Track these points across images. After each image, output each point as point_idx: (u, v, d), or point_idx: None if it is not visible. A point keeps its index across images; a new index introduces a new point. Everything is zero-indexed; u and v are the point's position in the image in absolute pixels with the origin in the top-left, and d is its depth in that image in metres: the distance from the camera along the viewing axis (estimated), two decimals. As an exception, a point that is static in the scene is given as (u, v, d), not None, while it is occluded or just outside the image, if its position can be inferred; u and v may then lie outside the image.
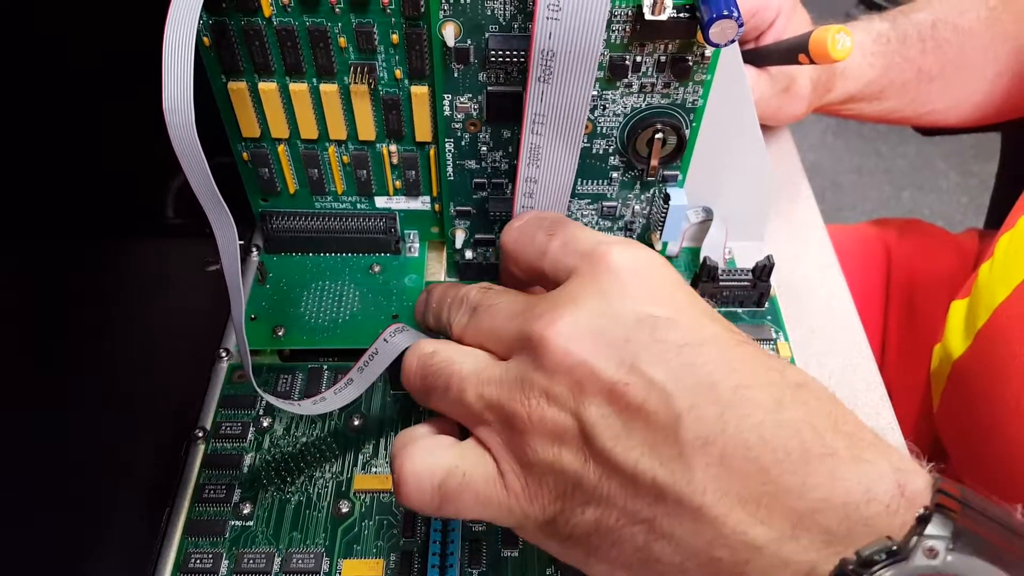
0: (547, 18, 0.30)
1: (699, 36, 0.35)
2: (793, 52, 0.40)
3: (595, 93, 0.38)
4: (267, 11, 0.36)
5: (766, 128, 0.56)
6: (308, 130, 0.41)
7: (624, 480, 0.24)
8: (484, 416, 0.28)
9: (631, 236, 0.46)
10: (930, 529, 0.20)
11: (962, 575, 0.20)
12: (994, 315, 0.44)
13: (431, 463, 0.28)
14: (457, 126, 0.40)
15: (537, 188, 0.38)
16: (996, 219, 0.77)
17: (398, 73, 0.39)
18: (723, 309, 0.47)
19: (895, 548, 0.20)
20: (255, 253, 0.48)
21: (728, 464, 0.22)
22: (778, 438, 0.22)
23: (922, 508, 0.21)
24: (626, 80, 0.37)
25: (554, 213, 0.35)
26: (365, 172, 0.44)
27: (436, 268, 0.50)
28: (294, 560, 0.36)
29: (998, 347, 0.43)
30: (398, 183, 0.45)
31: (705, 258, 0.45)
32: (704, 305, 0.27)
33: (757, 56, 0.49)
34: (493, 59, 0.35)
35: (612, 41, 0.35)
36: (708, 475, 0.23)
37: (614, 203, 0.44)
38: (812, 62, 0.39)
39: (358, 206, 0.46)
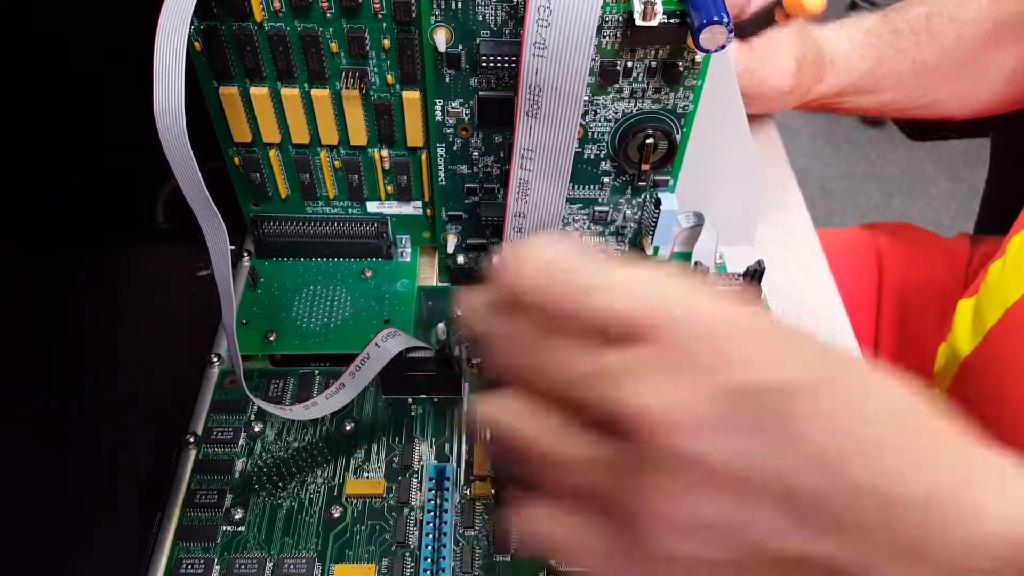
0: (533, 55, 0.30)
1: (689, 42, 0.35)
2: (770, 13, 0.43)
3: (586, 98, 0.38)
4: (258, 16, 0.36)
5: (756, 131, 0.56)
6: (300, 135, 0.41)
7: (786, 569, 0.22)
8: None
9: (622, 240, 0.46)
10: None
11: None
12: (1006, 314, 0.44)
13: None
14: (449, 131, 0.40)
15: (526, 223, 0.38)
16: (986, 224, 0.77)
17: (390, 78, 0.39)
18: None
19: None
20: (246, 258, 0.48)
21: (891, 526, 0.20)
22: (909, 484, 0.21)
23: None
24: (617, 85, 0.37)
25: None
26: (357, 177, 0.44)
27: (428, 273, 0.50)
28: (286, 565, 0.36)
29: (1009, 346, 0.43)
30: (390, 188, 0.45)
31: (696, 263, 0.45)
32: (809, 343, 0.23)
33: (740, 30, 0.50)
34: (484, 64, 0.35)
35: (603, 47, 0.36)
36: (872, 522, 0.21)
37: (605, 208, 0.44)
38: (788, 16, 0.41)
39: (350, 211, 0.46)
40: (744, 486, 0.21)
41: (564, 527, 0.24)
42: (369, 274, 0.48)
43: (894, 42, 0.56)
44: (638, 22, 0.33)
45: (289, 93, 0.39)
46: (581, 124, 0.39)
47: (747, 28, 0.49)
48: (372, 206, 0.46)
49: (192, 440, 0.41)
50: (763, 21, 0.46)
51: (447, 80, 0.38)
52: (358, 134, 0.41)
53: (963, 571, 0.20)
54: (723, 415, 0.21)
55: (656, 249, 0.47)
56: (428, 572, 0.36)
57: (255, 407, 0.42)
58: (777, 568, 0.22)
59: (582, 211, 0.44)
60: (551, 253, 0.24)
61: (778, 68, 0.51)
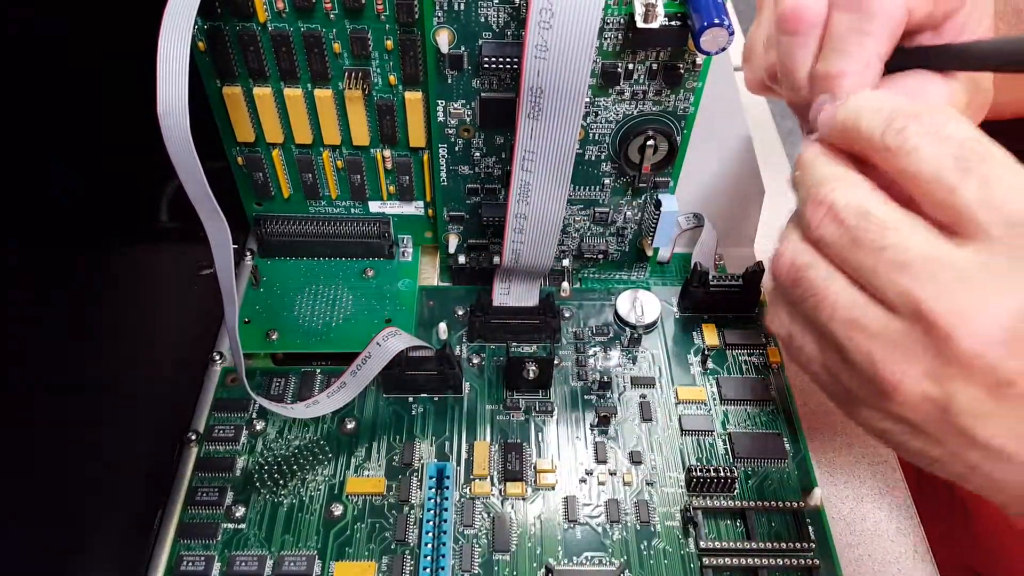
0: (535, 57, 0.30)
1: (690, 44, 0.35)
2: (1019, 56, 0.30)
3: (587, 100, 0.38)
4: (262, 17, 0.36)
5: (755, 133, 0.56)
6: (302, 135, 0.42)
7: (968, 443, 0.26)
8: (843, 354, 0.27)
9: (623, 242, 0.46)
10: None
11: None
12: None
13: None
14: (450, 132, 0.41)
15: (527, 224, 0.38)
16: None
17: (392, 79, 0.39)
18: (713, 315, 0.47)
19: None
20: (249, 257, 0.49)
21: None
22: None
23: None
24: (618, 87, 0.38)
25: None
26: (359, 177, 0.44)
27: (429, 273, 0.50)
28: (286, 563, 0.36)
29: None
30: (392, 188, 0.45)
31: (696, 264, 0.46)
32: None
33: (954, 58, 0.34)
34: (487, 66, 0.36)
35: (604, 49, 0.36)
36: None
37: (606, 209, 0.44)
38: None
39: (352, 211, 0.47)
40: (991, 386, 0.24)
41: (805, 343, 0.29)
42: (371, 273, 0.48)
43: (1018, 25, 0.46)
44: (639, 24, 0.33)
45: (292, 93, 0.39)
46: (582, 125, 0.39)
47: (969, 64, 0.34)
48: (374, 206, 0.46)
49: (194, 438, 0.41)
50: (1011, 62, 0.31)
51: (449, 81, 0.38)
52: (360, 134, 0.41)
53: None
54: (1021, 334, 0.23)
55: (656, 250, 0.47)
56: (428, 570, 0.36)
57: (257, 405, 0.42)
58: (948, 439, 0.26)
59: (583, 212, 0.44)
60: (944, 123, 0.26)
61: (980, 107, 0.39)
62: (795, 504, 0.39)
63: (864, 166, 0.28)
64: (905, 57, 0.33)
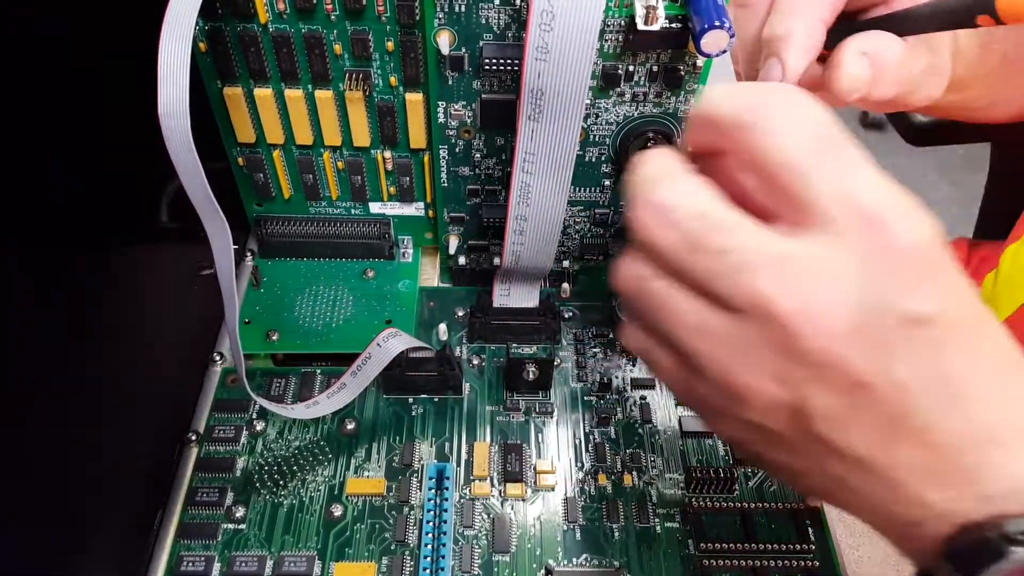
0: (536, 59, 0.30)
1: (691, 46, 0.35)
2: (970, 11, 0.30)
3: (588, 102, 0.38)
4: (263, 18, 0.36)
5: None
6: (303, 136, 0.42)
7: (828, 451, 0.25)
8: (694, 364, 0.26)
9: (623, 243, 0.46)
10: None
11: None
12: None
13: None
14: (451, 133, 0.41)
15: (528, 226, 0.38)
16: (985, 229, 0.77)
17: (393, 80, 0.39)
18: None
19: None
20: (249, 257, 0.49)
21: (931, 447, 0.24)
22: (981, 427, 0.24)
23: None
24: (619, 89, 0.38)
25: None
26: (359, 178, 0.44)
27: (429, 273, 0.50)
28: (286, 563, 0.36)
29: None
30: (392, 189, 0.45)
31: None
32: (964, 289, 0.25)
33: (901, 22, 0.35)
34: (487, 67, 0.36)
35: (605, 51, 0.36)
36: (911, 457, 0.25)
37: (606, 211, 0.44)
38: (999, 22, 0.29)
39: (352, 212, 0.47)
40: (841, 388, 0.24)
41: (659, 358, 0.28)
42: (371, 274, 0.48)
43: (993, 30, 0.48)
44: (640, 26, 0.33)
45: (293, 94, 0.40)
46: (583, 127, 0.39)
47: (913, 27, 0.35)
48: (374, 207, 0.46)
49: (194, 438, 0.41)
50: (947, 23, 0.33)
51: (450, 82, 0.38)
52: (361, 135, 0.42)
53: (983, 495, 0.24)
54: (862, 328, 0.23)
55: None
56: (427, 571, 0.36)
57: (257, 406, 0.42)
58: (808, 449, 0.26)
59: (583, 213, 0.44)
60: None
61: (939, 72, 0.40)
62: (795, 505, 0.39)
63: (706, 162, 0.27)
64: (858, 29, 0.35)
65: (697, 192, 0.26)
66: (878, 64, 0.34)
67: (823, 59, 0.36)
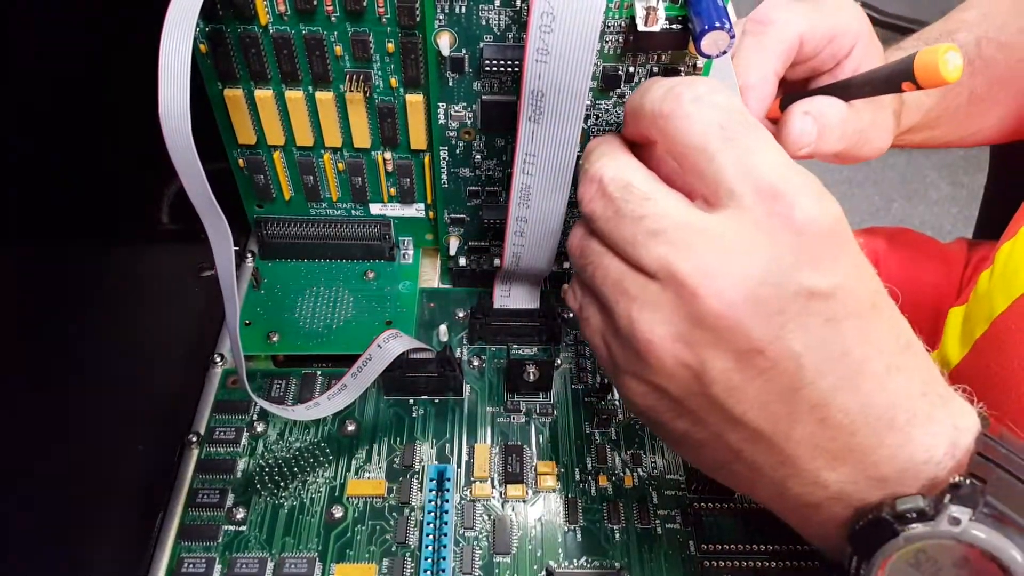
0: (536, 61, 0.30)
1: (691, 47, 0.35)
2: (894, 79, 0.36)
3: (588, 103, 0.38)
4: (263, 19, 0.36)
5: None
6: (304, 137, 0.42)
7: (726, 419, 0.27)
8: (612, 319, 0.28)
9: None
10: (957, 502, 0.24)
11: (977, 545, 0.24)
12: (993, 325, 0.44)
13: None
14: (451, 134, 0.41)
15: (528, 228, 0.38)
16: (986, 229, 0.77)
17: (393, 82, 0.39)
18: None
19: (925, 509, 0.25)
20: (250, 259, 0.49)
21: (826, 424, 0.26)
22: (875, 407, 0.26)
23: (957, 476, 0.25)
24: (619, 90, 0.38)
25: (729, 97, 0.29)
26: (360, 179, 0.44)
27: (430, 275, 0.50)
28: (287, 565, 0.36)
29: (996, 358, 0.43)
30: (392, 190, 0.45)
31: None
32: (863, 269, 0.27)
33: (843, 90, 0.42)
34: (488, 68, 0.36)
35: (605, 52, 0.36)
36: (806, 432, 0.26)
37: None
38: (918, 87, 0.34)
39: (353, 213, 0.47)
40: (739, 354, 0.25)
41: (587, 313, 0.31)
42: (371, 276, 0.48)
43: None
44: (640, 27, 0.33)
45: (293, 95, 0.40)
46: (583, 128, 0.39)
47: (856, 93, 0.41)
48: (375, 208, 0.46)
49: (195, 440, 0.41)
50: (880, 89, 0.38)
51: (450, 84, 0.38)
52: (362, 137, 0.42)
53: (877, 476, 0.26)
54: (761, 300, 0.25)
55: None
56: (428, 572, 0.36)
57: (257, 407, 0.42)
58: (708, 417, 0.27)
59: (583, 214, 0.44)
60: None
61: (881, 127, 0.45)
62: (796, 506, 0.39)
63: (644, 150, 0.31)
64: (805, 96, 0.41)
65: (627, 167, 0.29)
66: (822, 121, 0.39)
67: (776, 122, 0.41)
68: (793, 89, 0.46)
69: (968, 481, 0.25)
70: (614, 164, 0.29)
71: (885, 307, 0.27)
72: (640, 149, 0.31)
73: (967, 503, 0.24)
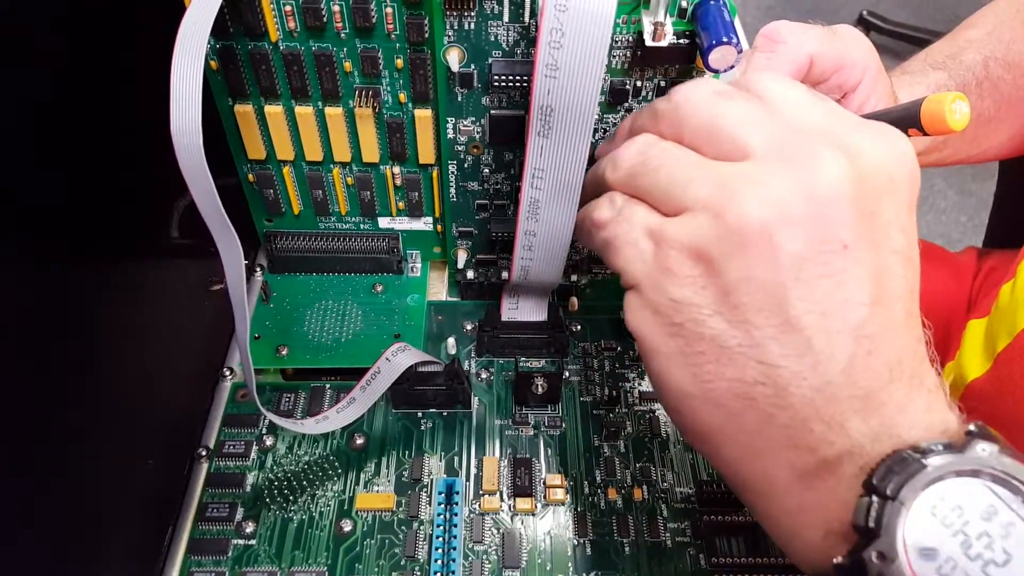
0: (545, 76, 0.31)
1: (699, 62, 0.35)
2: (901, 124, 0.35)
3: (596, 116, 0.38)
4: (274, 36, 0.37)
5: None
6: (313, 152, 0.42)
7: (781, 318, 0.25)
8: (676, 201, 0.28)
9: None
10: (981, 439, 0.23)
11: (1011, 473, 0.23)
12: (1016, 339, 0.43)
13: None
14: (460, 148, 0.41)
15: (536, 242, 0.38)
16: (996, 238, 0.77)
17: (402, 97, 0.39)
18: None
19: (951, 443, 0.24)
20: (259, 273, 0.49)
21: (872, 358, 0.25)
22: (910, 362, 0.26)
23: (973, 425, 0.24)
24: (626, 104, 0.38)
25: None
26: (368, 193, 0.44)
27: (438, 288, 0.50)
28: (296, 579, 0.36)
29: (1019, 372, 0.43)
30: (401, 204, 0.45)
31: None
32: (887, 229, 0.26)
33: None
34: (496, 83, 0.36)
35: (613, 66, 0.36)
36: (854, 359, 0.25)
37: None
38: (924, 134, 0.34)
39: (361, 226, 0.47)
40: (834, 249, 0.25)
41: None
42: (380, 289, 0.48)
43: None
44: (648, 43, 0.33)
45: (303, 111, 0.40)
46: (591, 142, 0.39)
47: None
48: (383, 222, 0.47)
49: (204, 453, 0.41)
50: None
51: (459, 99, 0.38)
52: (370, 151, 0.42)
53: (900, 437, 0.25)
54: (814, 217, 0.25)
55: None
56: (438, 587, 0.36)
57: (267, 421, 0.42)
58: (757, 317, 0.26)
59: (591, 227, 0.44)
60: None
61: None
62: (806, 520, 0.39)
63: None
64: None
65: (648, 136, 0.30)
66: None
67: None
68: None
69: (985, 429, 0.24)
70: (638, 139, 0.30)
71: (901, 264, 0.27)
72: None
73: (990, 440, 0.23)
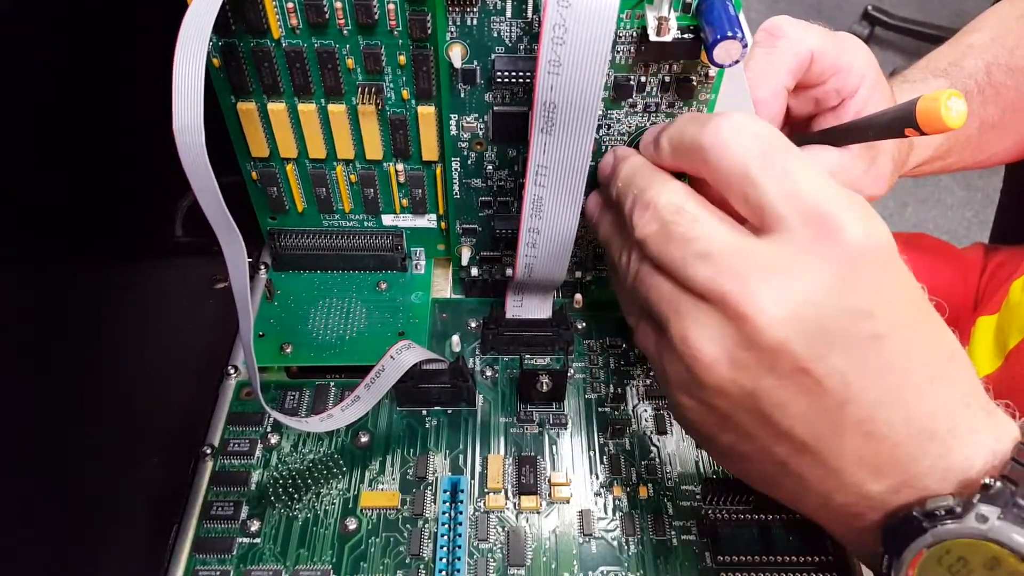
0: (548, 73, 0.30)
1: (703, 56, 0.35)
2: (896, 125, 0.36)
3: (600, 113, 0.38)
4: (276, 33, 0.36)
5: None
6: (316, 149, 0.42)
7: (773, 433, 0.28)
8: (667, 337, 0.29)
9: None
10: (986, 501, 0.25)
11: (1001, 541, 0.24)
12: None
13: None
14: (463, 145, 0.41)
15: (540, 239, 0.38)
16: (1002, 233, 0.77)
17: (405, 94, 0.39)
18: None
19: (954, 507, 0.25)
20: (263, 271, 0.49)
21: (871, 438, 0.26)
22: (917, 419, 0.26)
23: (989, 478, 0.25)
24: (631, 100, 0.38)
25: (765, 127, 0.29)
26: (372, 191, 0.44)
27: (442, 285, 0.50)
28: (301, 577, 0.36)
29: None
30: (405, 201, 0.45)
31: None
32: (907, 286, 0.28)
33: (845, 133, 0.42)
34: (499, 80, 0.36)
35: (617, 62, 0.36)
36: (851, 446, 0.27)
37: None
38: (922, 133, 0.34)
39: (365, 224, 0.47)
40: (786, 372, 0.26)
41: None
42: (384, 286, 0.48)
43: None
44: (652, 38, 0.33)
45: (306, 108, 0.40)
46: (595, 138, 0.39)
47: (857, 137, 0.41)
48: (387, 219, 0.46)
49: (209, 452, 0.41)
50: (883, 134, 0.38)
51: (462, 95, 0.38)
52: (374, 148, 0.42)
53: (919, 485, 0.27)
54: (808, 321, 0.26)
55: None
56: (443, 585, 0.36)
57: (271, 419, 0.42)
58: (756, 431, 0.28)
59: (596, 224, 0.44)
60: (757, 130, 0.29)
61: (878, 173, 0.44)
62: (812, 517, 0.38)
63: (692, 182, 0.32)
64: (812, 139, 0.42)
65: (678, 191, 0.30)
66: None
67: None
68: (797, 126, 0.46)
69: (999, 483, 0.25)
70: (667, 190, 0.30)
71: (929, 321, 0.28)
72: (691, 181, 0.33)
73: (996, 502, 0.25)
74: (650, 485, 0.40)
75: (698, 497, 0.40)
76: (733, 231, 0.28)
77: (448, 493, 0.39)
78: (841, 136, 0.42)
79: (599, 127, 0.39)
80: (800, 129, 0.45)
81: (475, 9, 0.34)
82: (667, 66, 0.36)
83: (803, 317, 0.26)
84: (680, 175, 0.33)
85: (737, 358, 0.27)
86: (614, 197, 0.34)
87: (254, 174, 0.44)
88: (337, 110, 0.40)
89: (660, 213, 0.30)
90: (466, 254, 0.47)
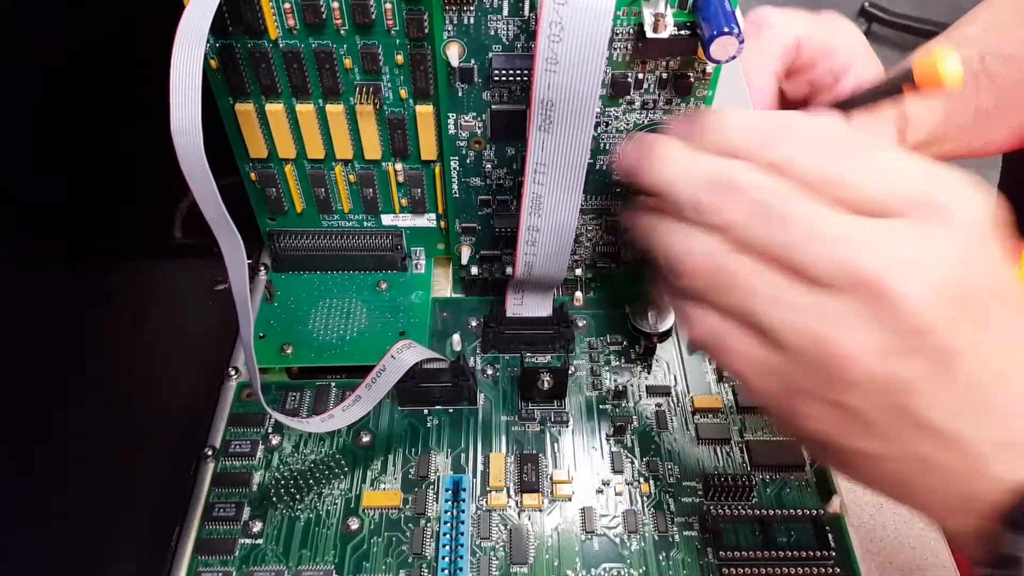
0: (545, 71, 0.30)
1: (700, 53, 0.35)
2: (894, 82, 0.36)
3: (598, 110, 0.38)
4: (273, 34, 0.36)
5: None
6: (315, 150, 0.42)
7: (920, 430, 0.25)
8: (780, 342, 0.26)
9: (635, 250, 0.46)
10: None
11: None
12: None
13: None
14: (462, 144, 0.41)
15: (540, 236, 0.38)
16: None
17: (403, 93, 0.39)
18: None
19: None
20: (263, 272, 0.49)
21: (1011, 419, 0.25)
22: None
23: None
24: (628, 97, 0.38)
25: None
26: (371, 190, 0.44)
27: (442, 284, 0.50)
28: (304, 577, 0.36)
29: None
30: (404, 201, 0.45)
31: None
32: (1008, 259, 0.26)
33: (847, 104, 0.41)
34: (497, 78, 0.36)
35: (614, 59, 0.36)
36: (999, 429, 0.25)
37: (618, 218, 0.44)
38: (918, 90, 0.34)
39: (364, 224, 0.47)
40: (933, 355, 0.24)
41: (735, 339, 0.27)
42: (384, 286, 0.48)
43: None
44: (649, 34, 0.33)
45: (304, 109, 0.40)
46: (593, 136, 0.39)
47: (859, 105, 0.40)
48: (386, 219, 0.46)
49: (210, 453, 0.41)
50: (882, 95, 0.38)
51: (460, 94, 0.38)
52: (372, 148, 0.42)
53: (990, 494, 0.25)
54: (952, 295, 0.24)
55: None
56: (446, 583, 0.36)
57: (272, 420, 0.42)
58: (899, 431, 0.25)
59: (594, 221, 0.44)
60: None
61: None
62: (815, 512, 0.39)
63: None
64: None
65: (761, 172, 0.26)
66: None
67: None
68: (795, 108, 0.46)
69: None
70: (745, 169, 0.26)
71: None
72: None
73: None
74: (652, 481, 0.40)
75: (699, 493, 0.40)
76: (840, 213, 0.25)
77: (450, 492, 0.39)
78: (845, 106, 0.40)
79: (597, 124, 0.39)
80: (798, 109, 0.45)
81: (472, 8, 0.35)
82: (664, 63, 0.36)
83: (944, 294, 0.24)
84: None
85: (884, 345, 0.24)
86: (658, 186, 0.30)
87: (253, 175, 0.44)
88: (335, 110, 0.40)
89: (748, 192, 0.26)
90: (466, 253, 0.47)
